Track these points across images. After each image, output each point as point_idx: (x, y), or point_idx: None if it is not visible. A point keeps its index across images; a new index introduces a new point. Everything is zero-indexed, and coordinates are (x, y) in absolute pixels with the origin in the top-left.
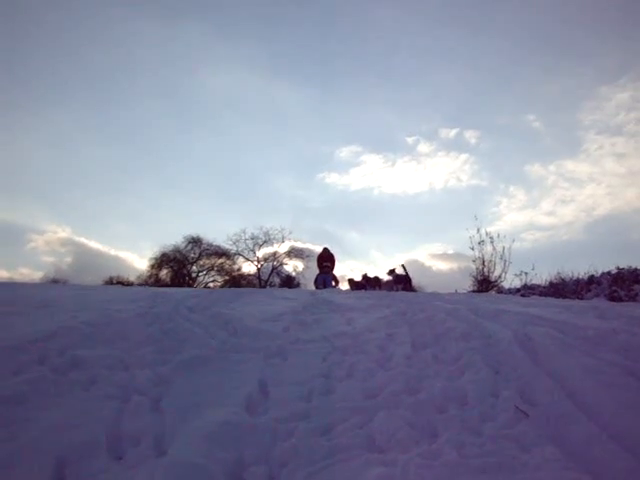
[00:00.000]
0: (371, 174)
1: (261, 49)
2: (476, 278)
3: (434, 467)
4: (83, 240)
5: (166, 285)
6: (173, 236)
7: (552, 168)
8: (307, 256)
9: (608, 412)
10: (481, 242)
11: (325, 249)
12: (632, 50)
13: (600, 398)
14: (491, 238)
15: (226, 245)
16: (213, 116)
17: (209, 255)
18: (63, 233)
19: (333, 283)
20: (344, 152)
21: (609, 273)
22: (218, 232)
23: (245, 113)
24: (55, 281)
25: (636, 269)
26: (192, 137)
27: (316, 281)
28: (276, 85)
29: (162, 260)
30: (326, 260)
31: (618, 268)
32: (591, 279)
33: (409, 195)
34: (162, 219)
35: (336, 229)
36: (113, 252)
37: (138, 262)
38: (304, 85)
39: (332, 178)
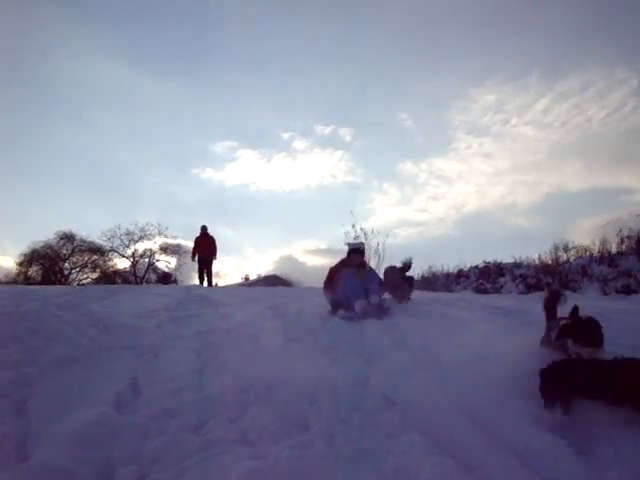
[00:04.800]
0: (247, 170)
1: (127, 38)
2: None
3: (304, 458)
4: None
5: (37, 283)
6: (42, 232)
7: (424, 166)
8: (184, 252)
9: (473, 400)
10: (356, 238)
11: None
12: (498, 54)
13: (466, 387)
14: (365, 234)
15: (100, 241)
16: (72, 105)
17: (82, 251)
18: None
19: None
20: (219, 147)
21: (477, 267)
22: (92, 228)
23: (110, 103)
24: None
25: (500, 263)
26: (50, 126)
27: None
28: (145, 76)
29: (32, 257)
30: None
31: (485, 262)
32: (460, 273)
33: (285, 191)
34: (24, 213)
35: (210, 225)
36: None
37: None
38: (176, 78)
39: (207, 173)
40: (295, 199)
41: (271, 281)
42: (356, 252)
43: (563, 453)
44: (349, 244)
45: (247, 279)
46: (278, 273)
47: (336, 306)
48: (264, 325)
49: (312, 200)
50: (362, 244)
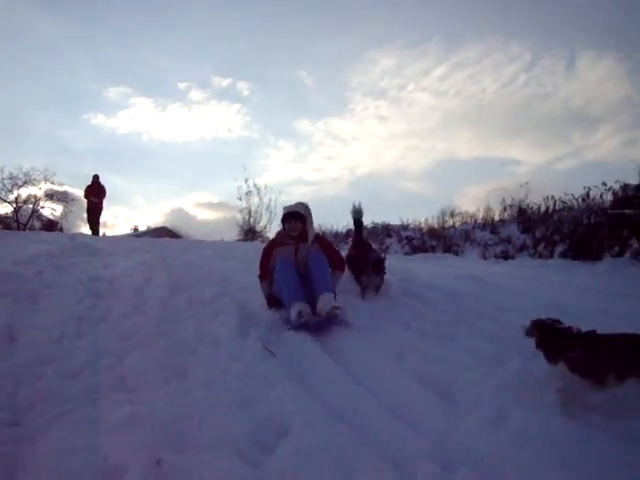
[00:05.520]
0: (140, 118)
1: None
2: (242, 228)
3: (181, 405)
4: None
5: None
6: None
7: (320, 125)
8: (71, 200)
9: (346, 351)
10: (248, 193)
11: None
12: (400, 19)
13: (338, 339)
14: (258, 189)
15: None
16: None
17: None
18: None
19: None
20: (112, 93)
21: (365, 227)
22: None
23: None
24: None
25: (388, 225)
26: None
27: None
28: (32, 10)
29: None
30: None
31: (373, 223)
32: (349, 233)
33: (178, 142)
34: None
35: (100, 173)
36: None
37: None
38: (67, 14)
39: (98, 119)
40: (189, 151)
41: (160, 233)
42: (291, 218)
43: (427, 400)
44: (284, 207)
45: (136, 230)
46: (168, 225)
47: (274, 304)
48: (149, 275)
49: (206, 153)
50: (302, 205)
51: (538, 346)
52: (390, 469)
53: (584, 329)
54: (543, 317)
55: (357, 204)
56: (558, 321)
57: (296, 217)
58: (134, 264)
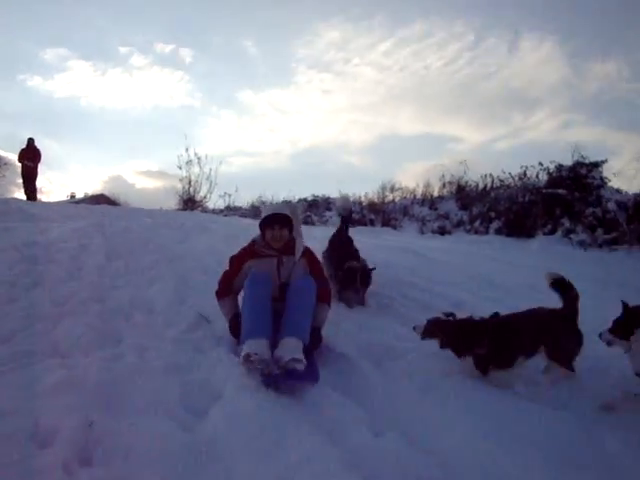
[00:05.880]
0: (78, 82)
1: None
2: (182, 197)
3: (115, 369)
4: None
5: None
6: None
7: (264, 96)
8: (5, 164)
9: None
10: (189, 162)
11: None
12: None
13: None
14: (199, 159)
15: None
16: None
17: None
18: None
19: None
20: (50, 54)
21: (305, 199)
22: None
23: None
24: None
25: (328, 198)
26: None
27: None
28: None
29: None
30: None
31: (314, 195)
32: None
33: (118, 109)
34: None
35: (35, 137)
36: None
37: None
38: None
39: (35, 81)
40: (129, 118)
41: (98, 200)
42: (275, 223)
43: (361, 369)
44: (264, 206)
45: (73, 197)
46: (106, 193)
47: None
48: (85, 242)
49: (146, 120)
50: (290, 205)
51: (443, 346)
52: (321, 434)
53: (511, 304)
54: (438, 315)
55: (345, 196)
56: (453, 315)
57: (282, 222)
58: (70, 230)
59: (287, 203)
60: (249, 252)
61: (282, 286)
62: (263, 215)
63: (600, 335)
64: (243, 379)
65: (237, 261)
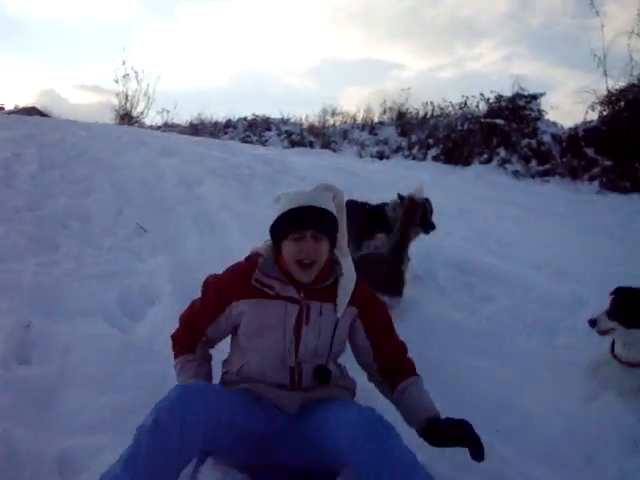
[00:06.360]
0: None
1: None
2: (118, 113)
3: (51, 275)
4: None
5: None
6: None
7: (204, 10)
8: None
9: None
10: (126, 76)
11: None
12: None
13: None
14: (136, 73)
15: None
16: None
17: None
18: None
19: None
20: None
21: (245, 119)
22: None
23: None
24: None
25: (269, 118)
26: None
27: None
28: None
29: None
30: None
31: (254, 115)
32: (228, 123)
33: (50, 17)
34: None
35: None
36: None
37: None
38: None
39: None
40: (62, 27)
41: (30, 112)
42: (306, 225)
43: None
44: (283, 194)
45: (2, 108)
46: (39, 106)
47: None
48: (18, 151)
49: (81, 30)
50: (330, 193)
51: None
52: None
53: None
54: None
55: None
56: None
57: (320, 225)
58: (1, 140)
59: (328, 188)
60: (244, 280)
61: (297, 373)
62: (284, 208)
63: (592, 322)
64: (181, 284)
65: (217, 294)
